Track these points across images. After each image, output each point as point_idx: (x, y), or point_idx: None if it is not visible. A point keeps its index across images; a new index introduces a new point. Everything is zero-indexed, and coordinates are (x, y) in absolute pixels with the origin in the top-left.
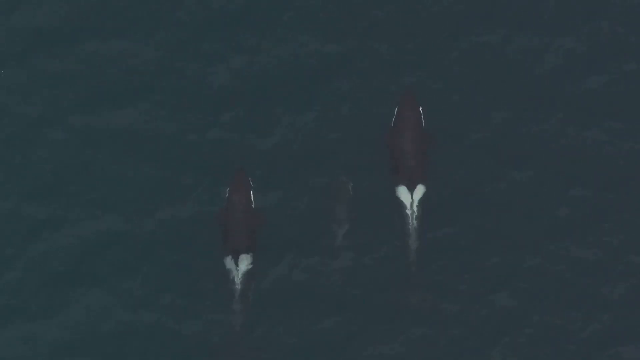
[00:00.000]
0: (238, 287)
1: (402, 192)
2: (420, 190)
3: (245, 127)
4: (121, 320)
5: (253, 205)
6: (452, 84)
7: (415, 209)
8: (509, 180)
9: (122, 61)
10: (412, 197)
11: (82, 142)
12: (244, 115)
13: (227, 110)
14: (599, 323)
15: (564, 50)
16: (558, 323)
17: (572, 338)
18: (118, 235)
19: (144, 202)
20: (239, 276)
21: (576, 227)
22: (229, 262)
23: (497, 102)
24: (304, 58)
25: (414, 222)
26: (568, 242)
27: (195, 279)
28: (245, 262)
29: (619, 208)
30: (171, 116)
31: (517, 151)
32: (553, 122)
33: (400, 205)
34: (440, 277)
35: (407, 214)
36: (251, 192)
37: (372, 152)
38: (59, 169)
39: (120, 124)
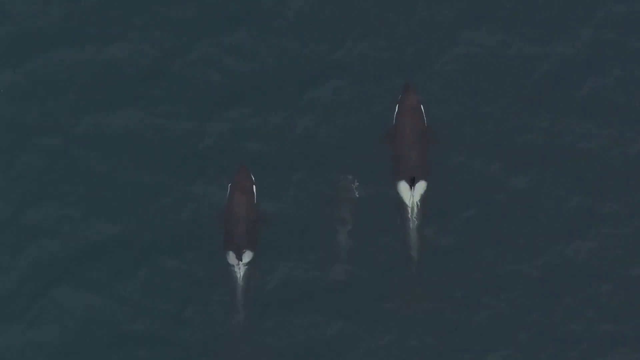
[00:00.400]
0: (240, 284)
1: (403, 189)
2: (421, 187)
3: (245, 128)
4: (121, 323)
5: (255, 201)
6: (452, 86)
7: (416, 206)
8: (509, 183)
9: (117, 64)
10: (412, 194)
11: (79, 146)
12: (243, 116)
13: (226, 112)
14: (599, 330)
15: (565, 53)
16: (558, 328)
17: (572, 344)
18: (117, 239)
19: (143, 205)
20: (241, 272)
21: (577, 231)
22: (231, 257)
23: (498, 104)
24: (304, 58)
25: (415, 220)
26: (569, 247)
27: (195, 281)
28: (247, 258)
29: (619, 214)
30: (170, 118)
31: (517, 154)
32: (554, 124)
33: (401, 202)
34: (440, 281)
35: (407, 212)
36: (254, 187)
37: (373, 152)
38: (55, 174)
39: (117, 127)
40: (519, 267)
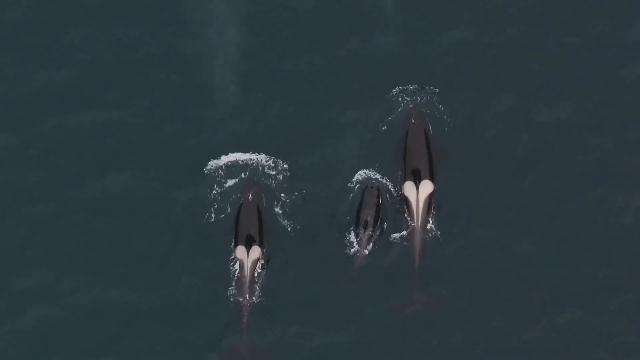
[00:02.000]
0: (246, 283)
1: (409, 190)
2: (427, 187)
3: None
4: (128, 321)
5: (264, 204)
6: (458, 95)
7: (422, 207)
8: (513, 191)
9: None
10: (418, 195)
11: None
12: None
13: (231, 118)
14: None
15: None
16: (560, 344)
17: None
18: (120, 237)
19: (152, 203)
20: (248, 270)
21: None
22: (239, 252)
23: (504, 110)
24: (310, 65)
25: (421, 227)
26: (577, 261)
27: (202, 282)
28: (255, 254)
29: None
30: (176, 119)
31: (523, 164)
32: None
33: (407, 206)
34: (441, 287)
35: (413, 215)
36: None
37: (383, 157)
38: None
39: (127, 120)
40: (519, 271)
